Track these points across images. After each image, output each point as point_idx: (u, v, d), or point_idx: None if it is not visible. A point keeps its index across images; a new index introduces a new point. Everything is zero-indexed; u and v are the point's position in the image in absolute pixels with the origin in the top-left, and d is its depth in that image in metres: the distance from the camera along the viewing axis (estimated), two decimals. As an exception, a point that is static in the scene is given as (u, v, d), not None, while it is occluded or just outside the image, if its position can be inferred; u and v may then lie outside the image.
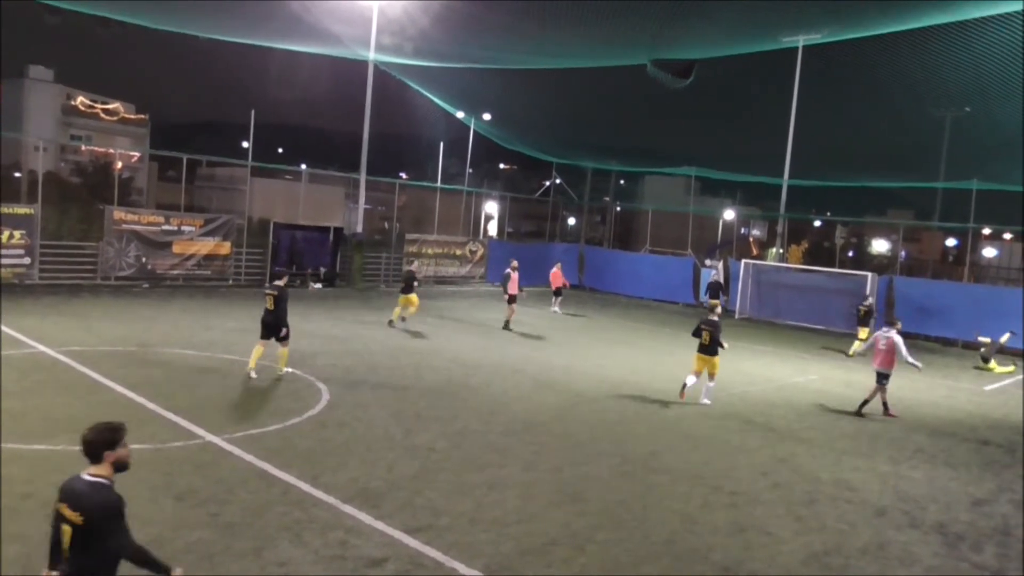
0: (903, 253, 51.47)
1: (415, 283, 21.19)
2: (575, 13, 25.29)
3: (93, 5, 26.75)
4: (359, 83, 31.26)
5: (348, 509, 7.80)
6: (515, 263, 23.12)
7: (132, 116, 78.22)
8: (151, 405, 11.05)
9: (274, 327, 13.59)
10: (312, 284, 28.95)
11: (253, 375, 13.29)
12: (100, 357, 13.95)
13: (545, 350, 18.72)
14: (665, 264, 35.07)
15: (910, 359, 14.56)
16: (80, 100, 74.07)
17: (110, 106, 76.27)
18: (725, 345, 14.33)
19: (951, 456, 12.05)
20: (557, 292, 27.20)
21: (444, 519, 7.77)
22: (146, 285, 24.90)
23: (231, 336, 17.21)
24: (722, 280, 31.38)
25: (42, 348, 14.37)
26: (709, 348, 14.15)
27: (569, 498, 8.68)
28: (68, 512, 4.33)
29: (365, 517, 7.64)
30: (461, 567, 6.76)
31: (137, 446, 9.14)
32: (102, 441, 4.46)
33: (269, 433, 10.16)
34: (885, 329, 14.97)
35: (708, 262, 34.32)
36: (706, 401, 14.25)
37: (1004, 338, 21.52)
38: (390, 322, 20.78)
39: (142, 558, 4.52)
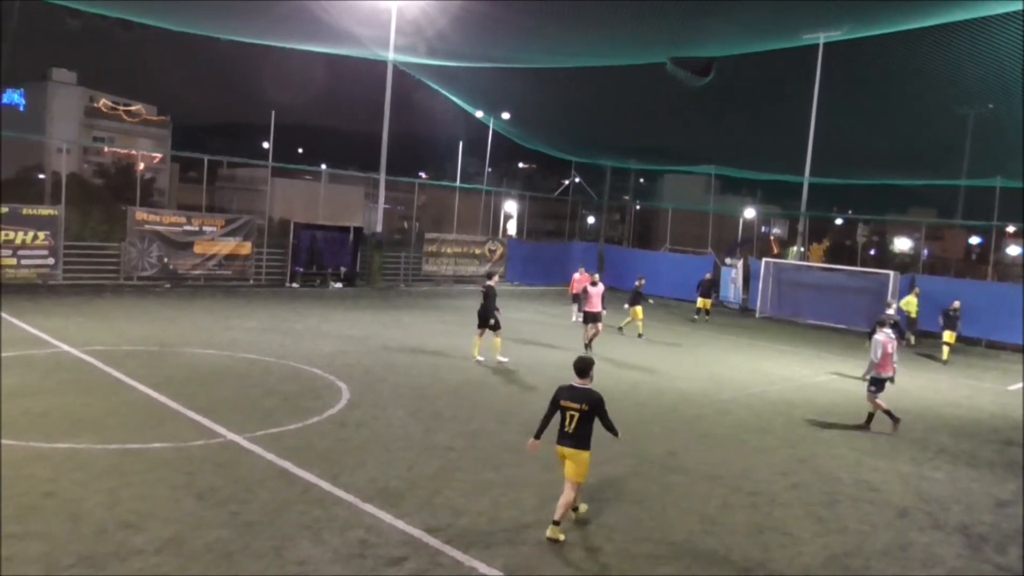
0: (926, 251, 50.98)
1: (641, 296, 22.02)
2: (594, 13, 25.23)
3: (116, 7, 27.04)
4: (378, 83, 31.44)
5: (368, 508, 7.84)
6: (596, 276, 20.42)
7: (154, 117, 79.04)
8: (173, 404, 11.16)
9: (484, 318, 16.15)
10: (332, 283, 29.12)
11: (480, 358, 16.05)
12: (122, 356, 14.11)
13: (562, 349, 18.66)
14: (685, 263, 34.92)
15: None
16: (103, 102, 74.93)
17: (132, 108, 77.09)
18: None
19: (974, 457, 11.90)
20: (578, 299, 24.26)
21: (463, 518, 7.78)
22: (168, 285, 25.15)
23: (252, 336, 17.34)
24: (740, 278, 31.20)
25: (65, 348, 14.56)
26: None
27: (587, 498, 8.65)
28: (573, 404, 7.62)
29: (385, 516, 7.67)
30: (481, 566, 6.76)
31: (158, 445, 9.28)
32: (590, 365, 7.89)
33: (289, 432, 10.23)
34: (888, 331, 13.57)
35: (728, 260, 34.14)
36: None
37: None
38: (619, 328, 21.87)
39: (612, 426, 7.88)
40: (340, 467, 8.99)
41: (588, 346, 18.27)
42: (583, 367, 7.82)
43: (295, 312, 21.71)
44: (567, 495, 7.54)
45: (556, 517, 7.44)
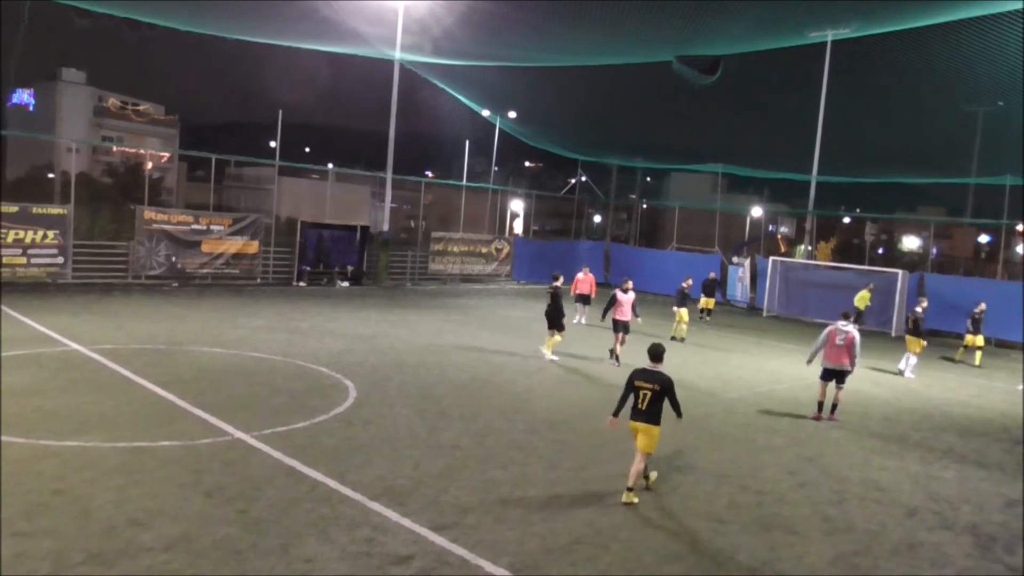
0: (934, 250, 50.74)
1: (688, 298, 21.82)
2: (600, 11, 25.19)
3: (125, 7, 27.13)
4: (385, 83, 31.45)
5: (374, 506, 7.85)
6: (629, 282, 18.09)
7: (162, 117, 79.13)
8: (181, 402, 11.20)
9: (553, 319, 16.67)
10: (339, 282, 29.17)
11: (551, 358, 16.71)
12: (131, 355, 14.17)
13: (569, 348, 18.64)
14: (692, 261, 34.77)
15: (857, 360, 13.39)
16: (111, 102, 75.03)
17: (141, 107, 77.19)
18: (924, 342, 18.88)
19: (983, 456, 11.86)
20: (583, 300, 23.49)
21: (470, 517, 7.79)
22: (176, 284, 25.23)
23: (259, 334, 17.38)
24: (748, 277, 31.11)
25: (75, 346, 14.62)
26: (915, 331, 18.62)
27: (593, 497, 8.66)
28: (647, 384, 8.56)
29: (391, 514, 7.68)
30: (487, 564, 6.77)
31: (166, 443, 9.31)
32: (663, 351, 8.84)
33: (296, 430, 10.25)
34: (842, 323, 13.48)
35: (735, 259, 34.07)
36: (911, 375, 18.22)
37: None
38: (672, 338, 21.04)
39: (678, 406, 8.72)
40: (347, 465, 9.01)
41: (614, 356, 17.03)
42: (656, 352, 8.81)
43: (302, 311, 21.75)
44: (638, 464, 8.55)
45: (629, 484, 8.51)
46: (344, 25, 27.34)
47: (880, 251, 61.42)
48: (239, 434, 9.87)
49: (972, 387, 17.96)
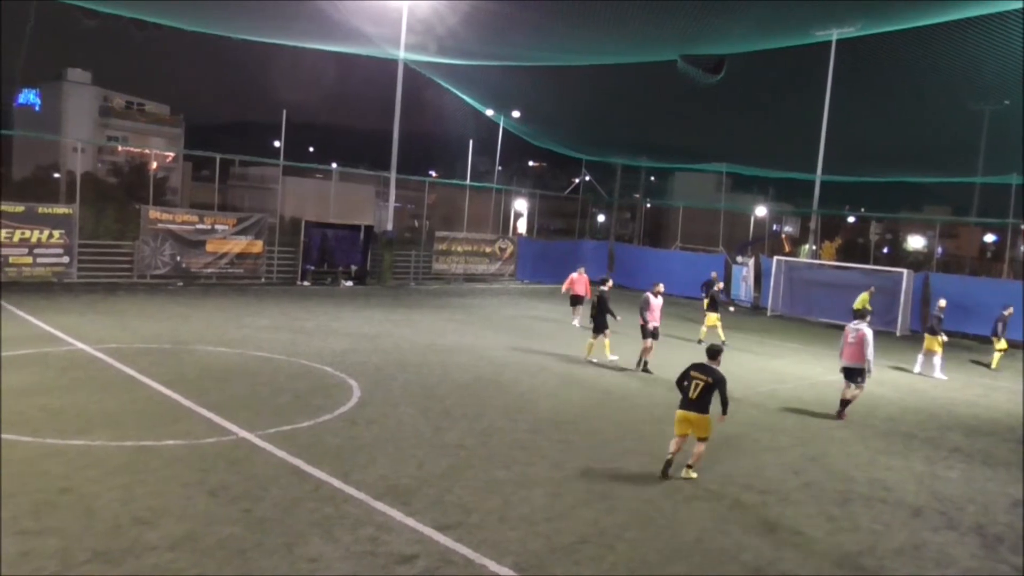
0: (940, 249, 50.58)
1: (718, 302, 21.76)
2: (604, 11, 25.18)
3: (131, 7, 27.19)
4: (389, 82, 31.52)
5: (379, 506, 7.86)
6: (660, 286, 17.21)
7: (167, 117, 79.25)
8: (185, 402, 11.22)
9: (600, 322, 16.72)
10: (343, 282, 29.20)
11: (612, 358, 16.75)
12: (136, 354, 14.20)
13: (571, 347, 18.65)
14: (696, 261, 34.76)
15: (871, 358, 13.31)
16: (116, 101, 75.16)
17: (146, 107, 77.34)
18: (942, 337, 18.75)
19: (989, 456, 11.82)
20: (577, 301, 22.65)
21: (474, 516, 7.79)
22: (180, 283, 25.28)
23: (263, 334, 17.41)
24: (752, 276, 31.10)
25: (80, 345, 14.66)
26: (931, 330, 18.93)
27: (597, 496, 8.66)
28: (701, 376, 9.48)
29: (395, 514, 7.69)
30: (491, 564, 6.77)
31: (171, 442, 9.33)
32: (720, 351, 10.02)
33: (301, 430, 10.26)
34: (856, 322, 13.74)
35: (739, 259, 34.02)
36: (941, 375, 18.33)
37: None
38: (699, 341, 20.56)
39: (726, 401, 9.53)
40: (351, 465, 9.02)
41: (643, 364, 16.27)
42: (713, 352, 9.96)
43: (306, 310, 21.78)
44: (699, 448, 9.51)
45: (691, 462, 9.52)
46: (348, 25, 27.37)
47: (885, 250, 61.32)
48: (243, 433, 9.89)
49: (978, 387, 17.90)
